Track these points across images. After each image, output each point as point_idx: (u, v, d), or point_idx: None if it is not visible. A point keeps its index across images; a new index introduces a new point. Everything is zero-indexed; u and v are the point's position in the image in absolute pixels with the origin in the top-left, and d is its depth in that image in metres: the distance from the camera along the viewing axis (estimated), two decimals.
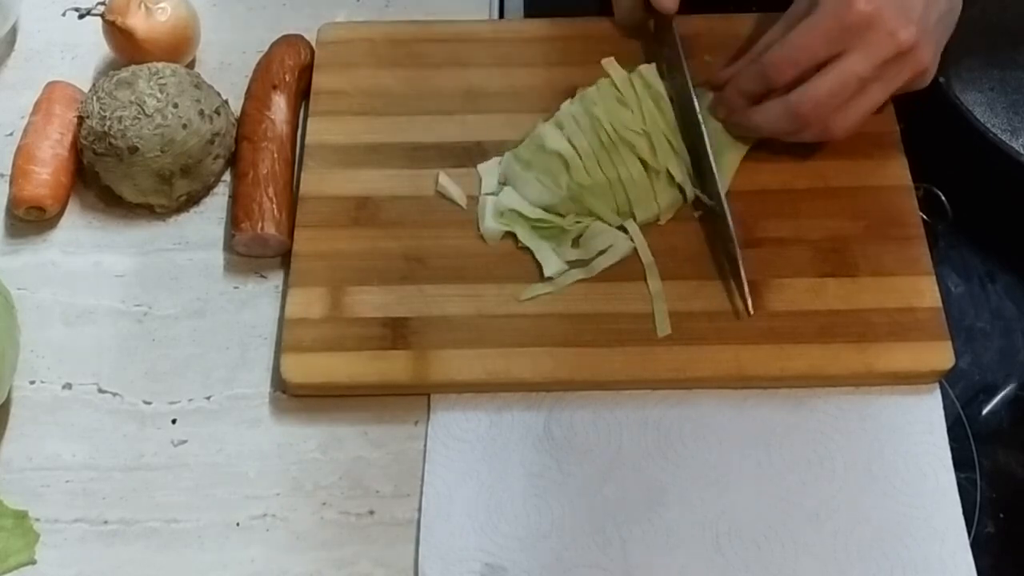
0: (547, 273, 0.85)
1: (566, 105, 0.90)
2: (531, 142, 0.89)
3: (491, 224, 0.87)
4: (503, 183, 0.89)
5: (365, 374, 0.81)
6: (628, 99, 0.88)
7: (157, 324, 0.87)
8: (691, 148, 0.88)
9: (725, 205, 0.85)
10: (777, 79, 0.83)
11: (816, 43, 0.81)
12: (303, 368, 0.82)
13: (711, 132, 0.88)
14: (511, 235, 0.87)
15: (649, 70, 0.90)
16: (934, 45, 0.84)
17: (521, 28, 0.99)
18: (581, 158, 0.87)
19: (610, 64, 0.90)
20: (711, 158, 0.86)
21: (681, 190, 0.88)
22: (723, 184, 0.86)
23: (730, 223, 0.84)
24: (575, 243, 0.87)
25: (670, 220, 0.88)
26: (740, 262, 0.83)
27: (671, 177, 0.87)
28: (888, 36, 0.80)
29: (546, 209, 0.87)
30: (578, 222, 0.87)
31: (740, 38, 0.94)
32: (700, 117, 0.87)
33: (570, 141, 0.87)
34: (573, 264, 0.85)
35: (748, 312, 0.82)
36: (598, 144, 0.87)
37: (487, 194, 0.88)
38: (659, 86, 0.90)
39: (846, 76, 0.81)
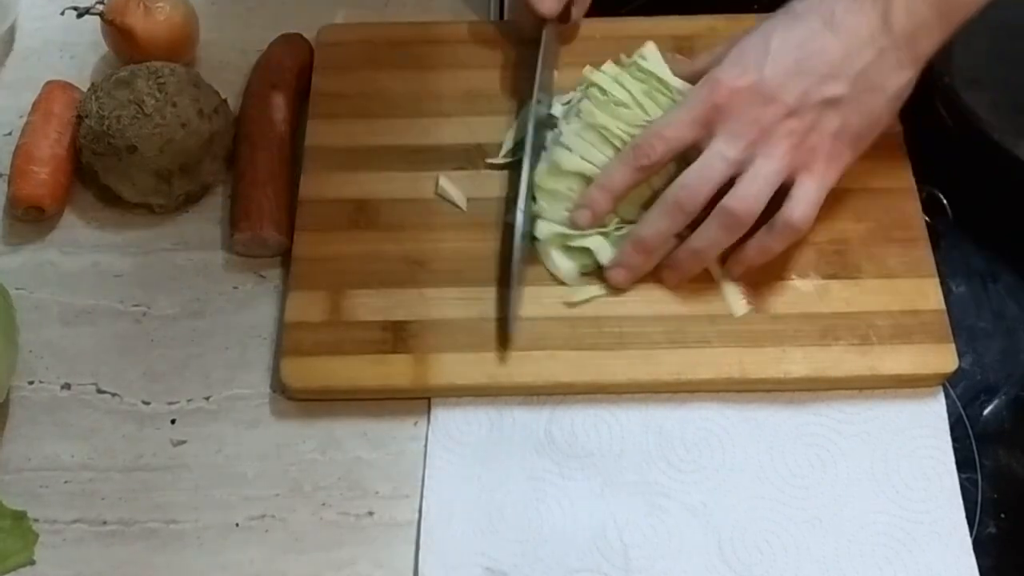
0: (603, 261, 0.84)
1: (564, 125, 0.88)
2: (549, 170, 0.86)
3: (563, 264, 0.85)
4: (535, 216, 0.86)
5: (365, 378, 0.81)
6: (621, 98, 0.87)
7: (156, 324, 0.87)
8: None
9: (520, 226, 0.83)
10: (688, 205, 0.80)
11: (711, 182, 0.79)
12: (303, 372, 0.81)
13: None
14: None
15: (614, 66, 0.89)
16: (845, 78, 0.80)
17: (521, 29, 0.98)
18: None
19: (592, 72, 0.89)
20: (524, 171, 0.85)
21: None
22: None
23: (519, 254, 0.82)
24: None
25: None
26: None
27: None
28: (754, 114, 0.79)
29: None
30: (618, 228, 0.86)
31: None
32: (528, 139, 0.86)
33: (584, 158, 0.86)
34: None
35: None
36: (612, 152, 0.86)
37: (541, 238, 0.85)
38: (652, 65, 0.88)
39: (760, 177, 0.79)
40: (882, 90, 0.81)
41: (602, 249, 0.84)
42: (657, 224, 0.81)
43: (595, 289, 0.84)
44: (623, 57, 0.89)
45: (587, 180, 0.85)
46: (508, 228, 0.86)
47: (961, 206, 0.90)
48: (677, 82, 0.87)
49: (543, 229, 0.85)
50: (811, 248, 0.86)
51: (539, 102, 0.88)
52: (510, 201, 0.87)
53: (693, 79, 0.85)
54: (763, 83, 0.79)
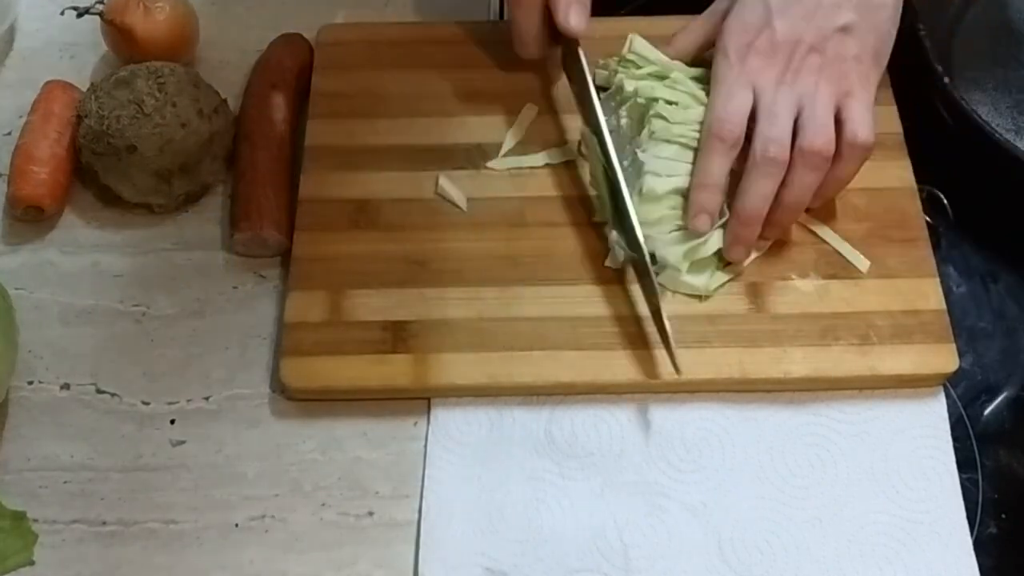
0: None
1: (641, 154, 0.85)
2: (645, 202, 0.84)
3: (698, 280, 0.83)
4: (652, 253, 0.84)
5: (365, 378, 0.81)
6: (686, 101, 0.86)
7: (156, 324, 0.87)
8: (611, 193, 0.85)
9: (647, 257, 0.82)
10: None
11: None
12: (303, 372, 0.81)
13: (631, 171, 0.86)
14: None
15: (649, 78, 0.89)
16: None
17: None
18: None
19: (651, 87, 0.87)
20: (628, 202, 0.83)
21: None
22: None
23: (654, 277, 0.81)
24: None
25: None
26: (667, 323, 0.80)
27: None
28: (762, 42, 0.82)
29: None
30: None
31: None
32: (615, 158, 0.84)
33: (672, 175, 0.84)
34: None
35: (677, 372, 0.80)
36: (693, 155, 0.85)
37: (671, 265, 0.83)
38: (648, 55, 0.89)
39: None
40: (883, 5, 0.84)
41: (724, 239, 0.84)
42: (758, 188, 0.82)
43: (723, 275, 0.84)
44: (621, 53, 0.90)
45: (682, 192, 0.84)
46: (619, 272, 0.85)
47: (961, 206, 0.90)
48: (675, 64, 0.88)
49: (671, 256, 0.83)
50: (811, 248, 0.86)
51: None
52: (621, 249, 0.85)
53: (688, 56, 0.88)
54: (777, 36, 0.82)
